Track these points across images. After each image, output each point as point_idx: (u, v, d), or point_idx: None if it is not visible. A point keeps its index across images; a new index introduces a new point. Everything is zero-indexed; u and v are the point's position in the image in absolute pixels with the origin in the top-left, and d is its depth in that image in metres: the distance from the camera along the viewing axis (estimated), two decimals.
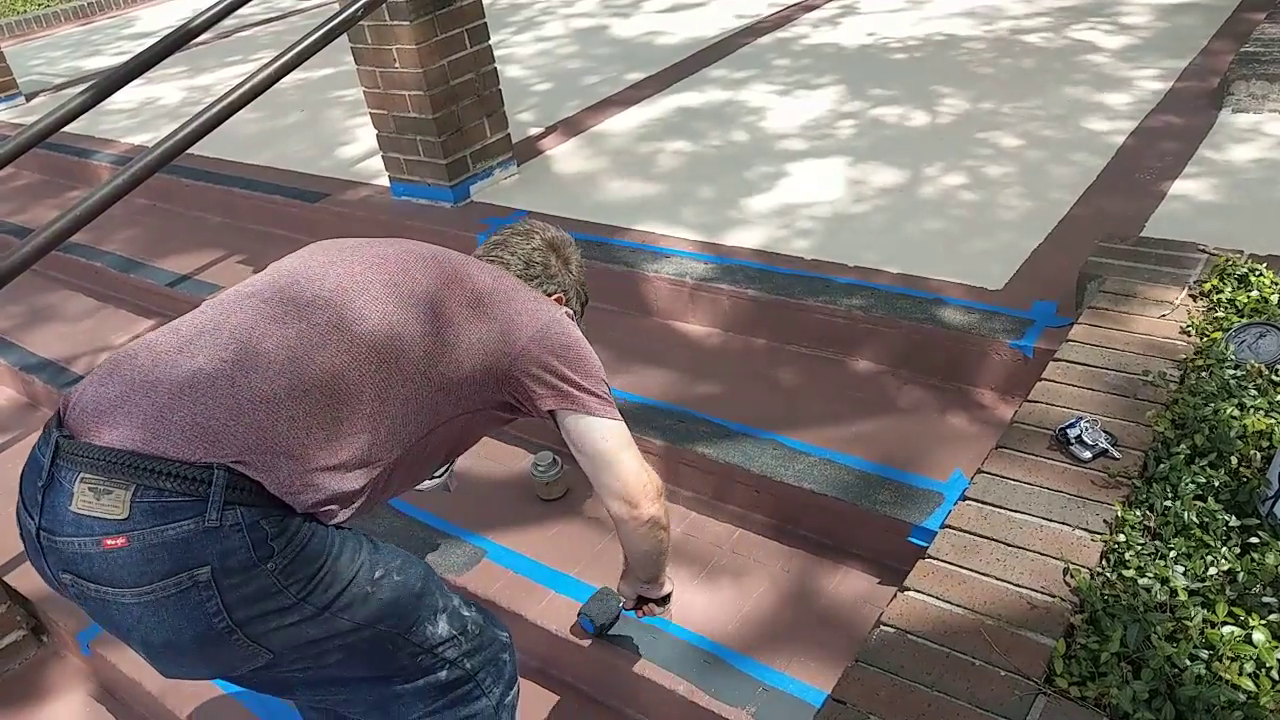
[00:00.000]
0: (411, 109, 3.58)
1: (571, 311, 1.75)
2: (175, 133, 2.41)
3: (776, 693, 1.96)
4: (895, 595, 1.58)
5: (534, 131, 4.30)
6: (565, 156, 4.03)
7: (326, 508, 1.37)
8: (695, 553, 2.34)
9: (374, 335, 1.43)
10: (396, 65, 3.51)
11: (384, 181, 3.96)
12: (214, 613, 1.27)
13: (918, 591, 1.58)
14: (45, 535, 1.30)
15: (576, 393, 1.57)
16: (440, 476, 2.10)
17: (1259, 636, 1.41)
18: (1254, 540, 1.60)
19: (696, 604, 2.17)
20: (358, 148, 4.50)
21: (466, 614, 1.58)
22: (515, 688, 1.69)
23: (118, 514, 1.24)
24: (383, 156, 3.84)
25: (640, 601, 1.92)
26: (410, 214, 3.74)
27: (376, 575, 1.43)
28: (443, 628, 1.53)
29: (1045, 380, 2.03)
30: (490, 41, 3.68)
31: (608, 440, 1.59)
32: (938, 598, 1.56)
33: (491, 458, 2.71)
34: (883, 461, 2.35)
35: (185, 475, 1.25)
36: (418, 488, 2.02)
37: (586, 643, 2.09)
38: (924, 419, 2.50)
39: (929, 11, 5.11)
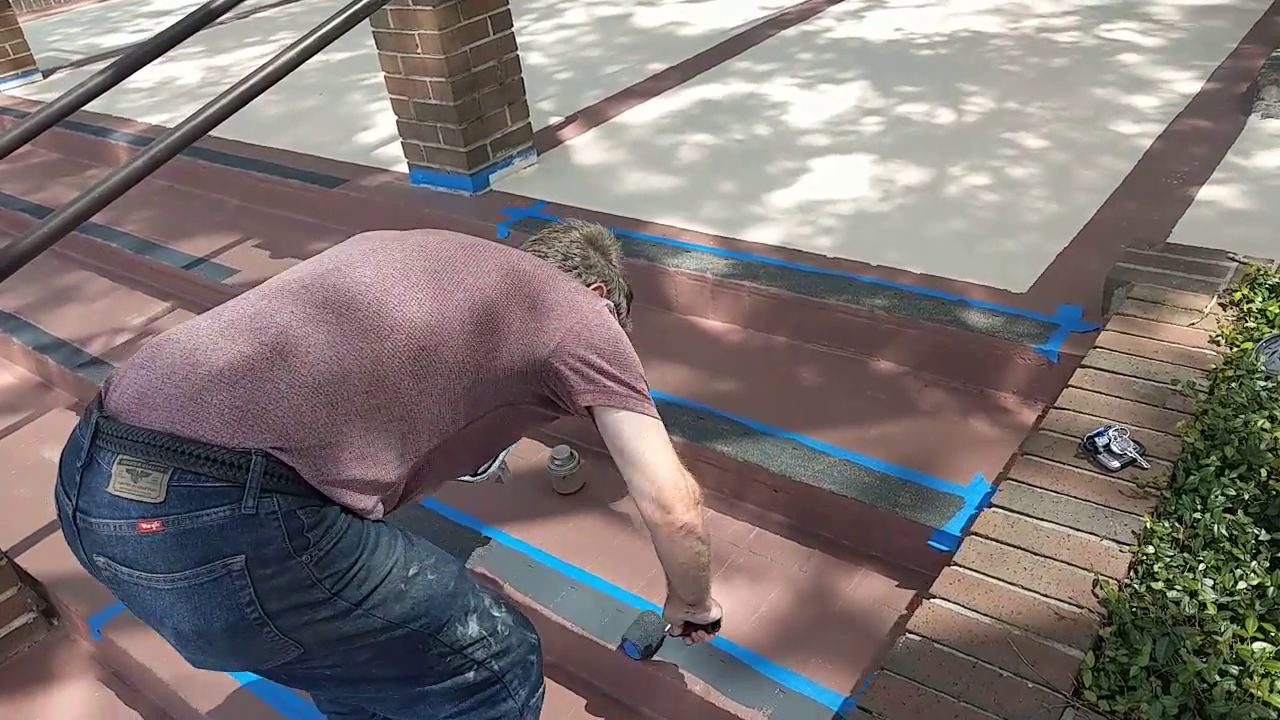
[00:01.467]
0: (433, 95, 3.57)
1: (614, 304, 1.74)
2: (195, 116, 2.39)
3: (794, 695, 1.95)
4: (921, 602, 1.57)
5: (554, 120, 4.28)
6: (585, 147, 4.01)
7: (362, 498, 1.36)
8: (713, 551, 2.32)
9: (414, 324, 1.43)
10: (419, 51, 3.49)
11: (403, 168, 3.94)
12: (246, 603, 1.26)
13: (944, 599, 1.56)
14: (81, 516, 1.29)
15: (615, 386, 1.54)
16: (488, 470, 2.06)
17: None
18: None
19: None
20: (377, 133, 4.48)
21: (497, 614, 1.57)
22: (541, 689, 1.68)
23: (154, 497, 1.23)
24: (402, 143, 3.83)
25: (687, 628, 1.87)
26: (429, 201, 3.72)
27: (411, 573, 1.41)
28: (473, 628, 1.51)
29: (1072, 387, 2.01)
30: (513, 28, 3.65)
31: (644, 438, 1.56)
32: (964, 606, 1.55)
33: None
34: (903, 463, 2.33)
35: (222, 460, 1.24)
36: (469, 478, 2.02)
37: (601, 640, 2.08)
38: (945, 421, 2.48)
39: (956, 7, 5.06)
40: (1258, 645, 1.41)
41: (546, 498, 2.54)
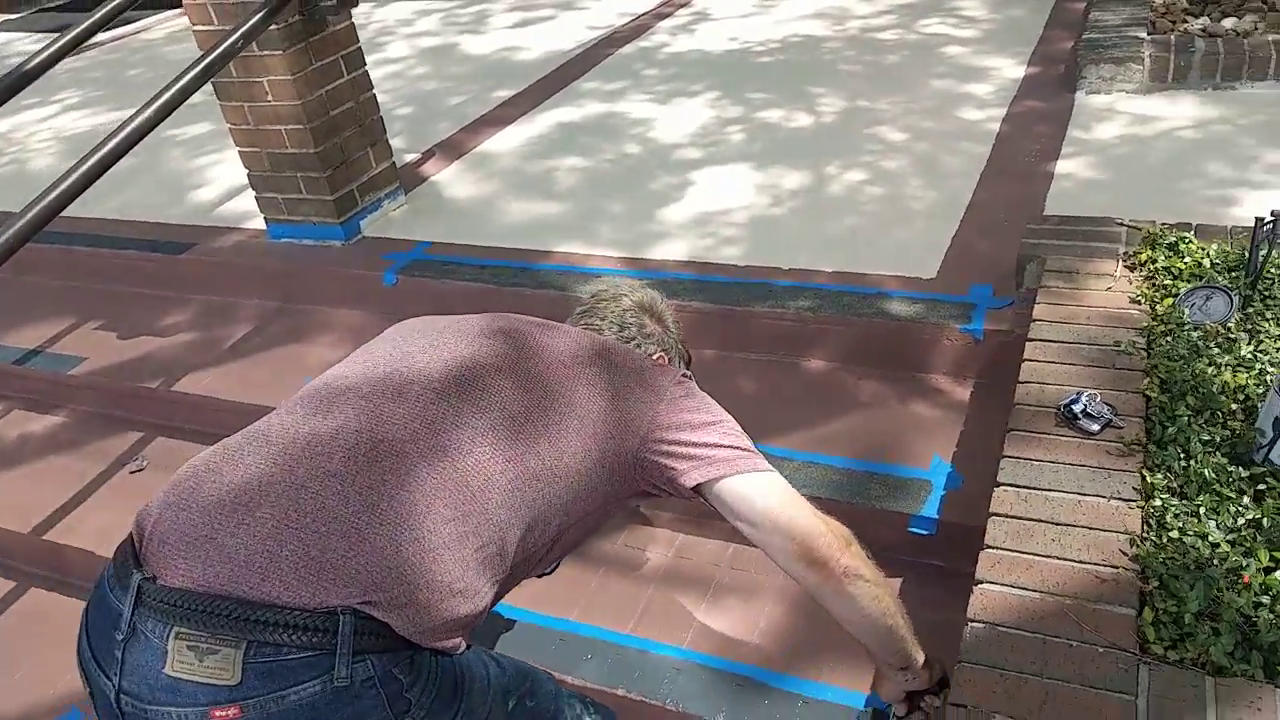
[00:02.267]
0: (289, 144, 3.36)
1: (686, 374, 1.61)
2: (34, 204, 2.16)
3: (816, 704, 1.95)
4: (972, 590, 1.60)
5: (411, 158, 4.13)
6: (452, 181, 3.89)
7: (454, 639, 1.21)
8: (695, 575, 2.29)
9: (497, 432, 1.27)
10: (270, 99, 3.28)
11: (257, 224, 3.69)
12: None
13: (991, 582, 1.60)
14: (130, 701, 1.09)
15: (716, 454, 1.38)
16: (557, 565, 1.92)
17: None
18: (1263, 487, 1.71)
19: (710, 628, 2.13)
20: (213, 190, 4.18)
21: (588, 718, 1.49)
22: None
23: (227, 679, 1.06)
24: (257, 197, 3.58)
25: (911, 700, 1.62)
26: (298, 257, 3.50)
27: (510, 706, 1.30)
28: None
29: (1029, 360, 2.10)
30: (365, 67, 3.50)
31: (769, 497, 1.39)
32: (1012, 585, 1.59)
33: None
34: (863, 457, 2.38)
35: (306, 625, 1.07)
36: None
37: (613, 688, 2.01)
38: (888, 410, 2.55)
39: (780, 15, 5.26)
40: (1278, 574, 1.52)
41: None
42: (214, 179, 4.27)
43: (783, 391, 2.67)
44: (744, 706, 1.95)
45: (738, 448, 1.41)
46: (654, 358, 1.60)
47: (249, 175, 3.54)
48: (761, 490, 1.39)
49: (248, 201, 3.77)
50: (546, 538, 1.33)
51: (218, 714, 1.06)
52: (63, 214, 4.17)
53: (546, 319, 1.58)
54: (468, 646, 1.28)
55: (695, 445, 1.39)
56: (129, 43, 7.01)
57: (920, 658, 1.57)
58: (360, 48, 3.46)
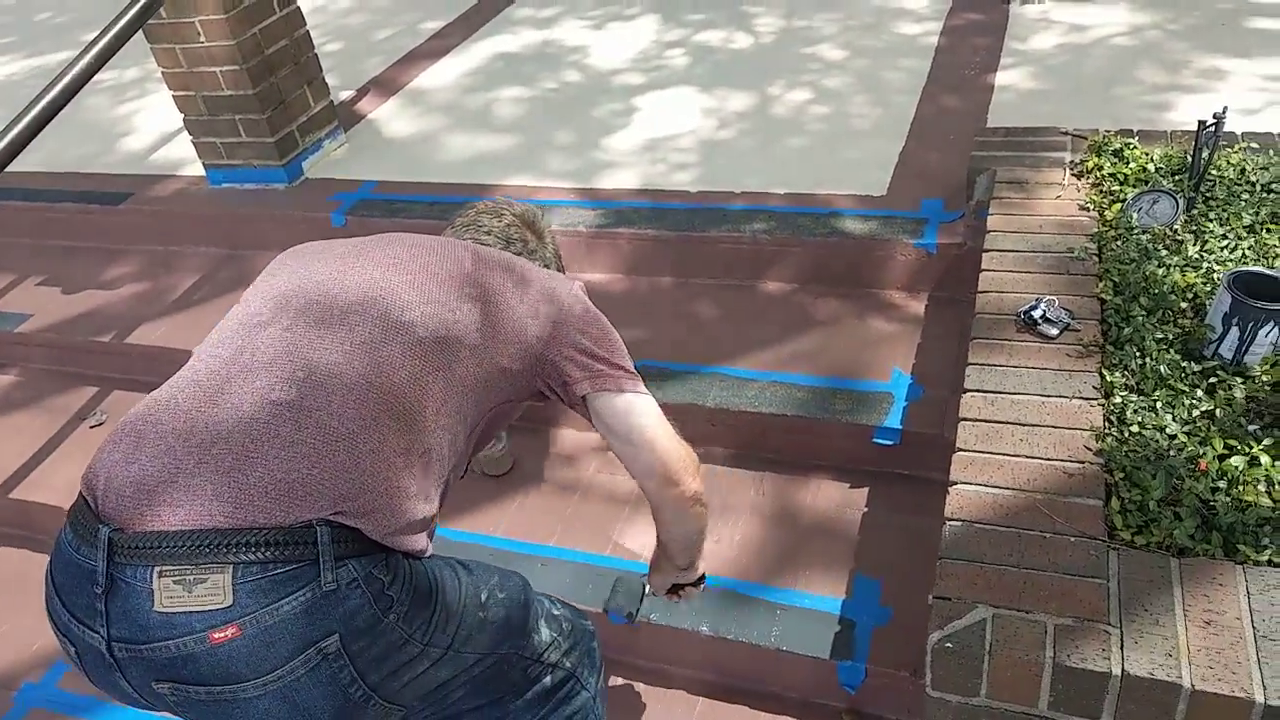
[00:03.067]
0: (225, 86, 3.25)
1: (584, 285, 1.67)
2: None
3: (794, 610, 2.03)
4: (948, 490, 1.67)
5: (346, 95, 4.02)
6: (392, 118, 3.81)
7: (420, 539, 1.26)
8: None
9: (423, 343, 1.31)
10: (202, 39, 3.16)
11: (195, 170, 3.58)
12: (349, 682, 1.16)
13: (965, 483, 1.67)
14: (123, 646, 1.12)
15: (608, 370, 1.47)
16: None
17: (1264, 459, 1.61)
18: (1214, 380, 1.81)
19: None
20: (144, 136, 4.04)
21: (558, 612, 1.54)
22: (603, 671, 1.66)
23: (219, 602, 1.09)
24: (194, 142, 3.47)
25: (673, 589, 1.82)
26: (241, 201, 3.42)
27: (483, 598, 1.36)
28: (545, 633, 1.48)
29: (986, 271, 2.17)
30: (297, 3, 3.38)
31: (644, 417, 1.48)
32: (985, 484, 1.66)
33: None
34: (825, 374, 2.44)
35: (286, 541, 1.11)
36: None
37: (597, 609, 2.06)
38: (847, 327, 2.61)
39: None
40: (1235, 459, 1.62)
41: (478, 483, 2.46)
42: (145, 125, 4.12)
43: (742, 315, 2.71)
44: (725, 616, 2.02)
45: (624, 368, 1.49)
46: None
47: (184, 120, 3.42)
48: (639, 410, 1.47)
49: (183, 147, 3.65)
50: (473, 439, 1.41)
51: (217, 636, 1.09)
52: None
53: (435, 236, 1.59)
54: (435, 556, 1.34)
55: (592, 358, 1.47)
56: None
57: (701, 562, 1.76)
58: None
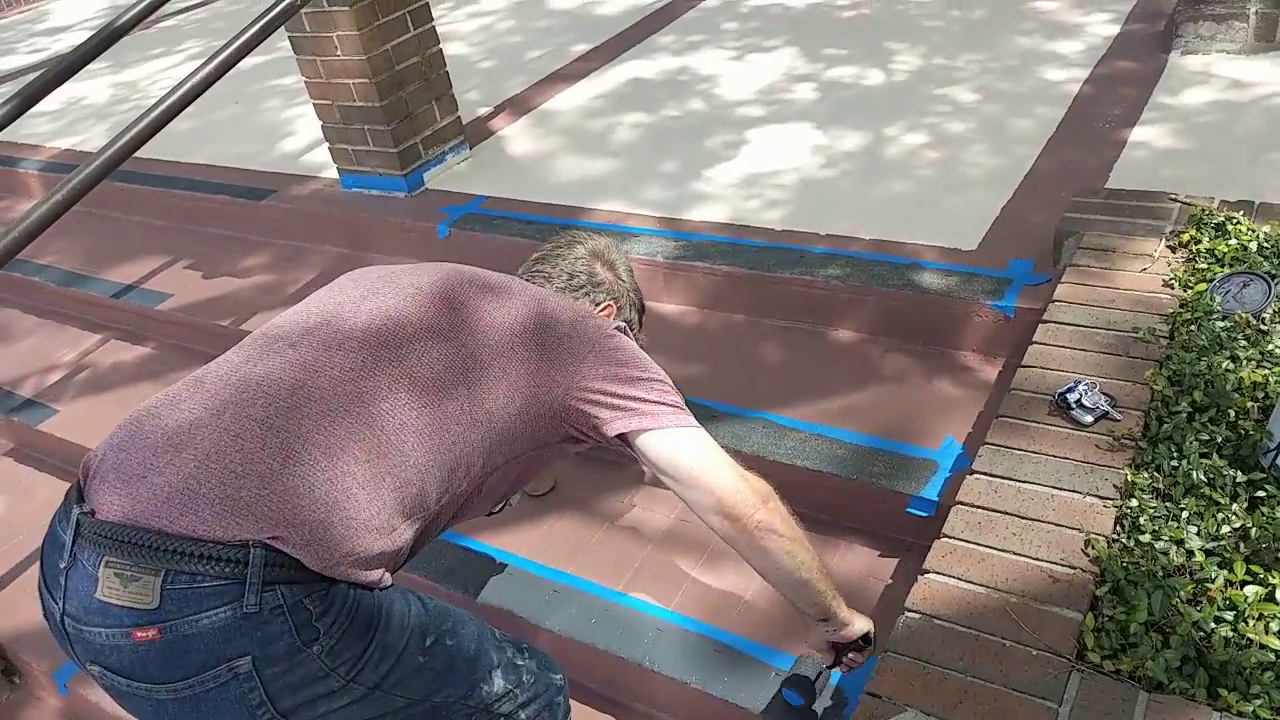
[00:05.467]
0: (357, 98, 3.46)
1: (624, 323, 1.66)
2: (117, 139, 2.27)
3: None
4: (917, 577, 1.57)
5: (483, 112, 4.19)
6: (518, 136, 3.94)
7: (370, 574, 1.26)
8: (691, 540, 2.31)
9: (415, 377, 1.33)
10: (339, 53, 3.38)
11: (332, 174, 3.83)
12: (257, 704, 1.19)
13: (938, 573, 1.56)
14: (71, 622, 1.20)
15: (645, 408, 1.44)
16: (505, 505, 1.92)
17: None
18: (1261, 494, 1.61)
19: (700, 593, 2.14)
20: (300, 139, 4.35)
21: (521, 664, 1.51)
22: None
23: (146, 603, 1.14)
24: (329, 148, 3.71)
25: (837, 652, 1.69)
26: (364, 206, 3.62)
27: (428, 643, 1.34)
28: (498, 684, 1.45)
29: (1037, 344, 2.02)
30: (433, 22, 3.56)
31: (690, 453, 1.44)
32: (959, 578, 1.55)
33: None
34: (873, 433, 2.33)
35: (219, 557, 1.15)
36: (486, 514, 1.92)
37: (594, 642, 2.05)
38: (909, 386, 2.49)
39: None
40: (1248, 589, 1.43)
41: (519, 501, 2.49)
42: (302, 129, 4.43)
43: (805, 361, 2.63)
44: (719, 672, 1.96)
45: (663, 403, 1.45)
46: (602, 306, 1.66)
47: (323, 127, 3.67)
48: (683, 447, 1.44)
49: (326, 152, 3.91)
50: (471, 479, 1.38)
51: (139, 634, 1.15)
52: (166, 159, 4.43)
53: (493, 271, 1.61)
54: (391, 585, 1.34)
55: (620, 397, 1.43)
56: None
57: (843, 612, 1.61)
58: (427, 3, 3.51)
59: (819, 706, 1.77)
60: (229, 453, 1.21)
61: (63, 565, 1.20)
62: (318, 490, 1.21)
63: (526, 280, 1.66)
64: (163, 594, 1.14)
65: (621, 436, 1.44)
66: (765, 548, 1.47)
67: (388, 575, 1.31)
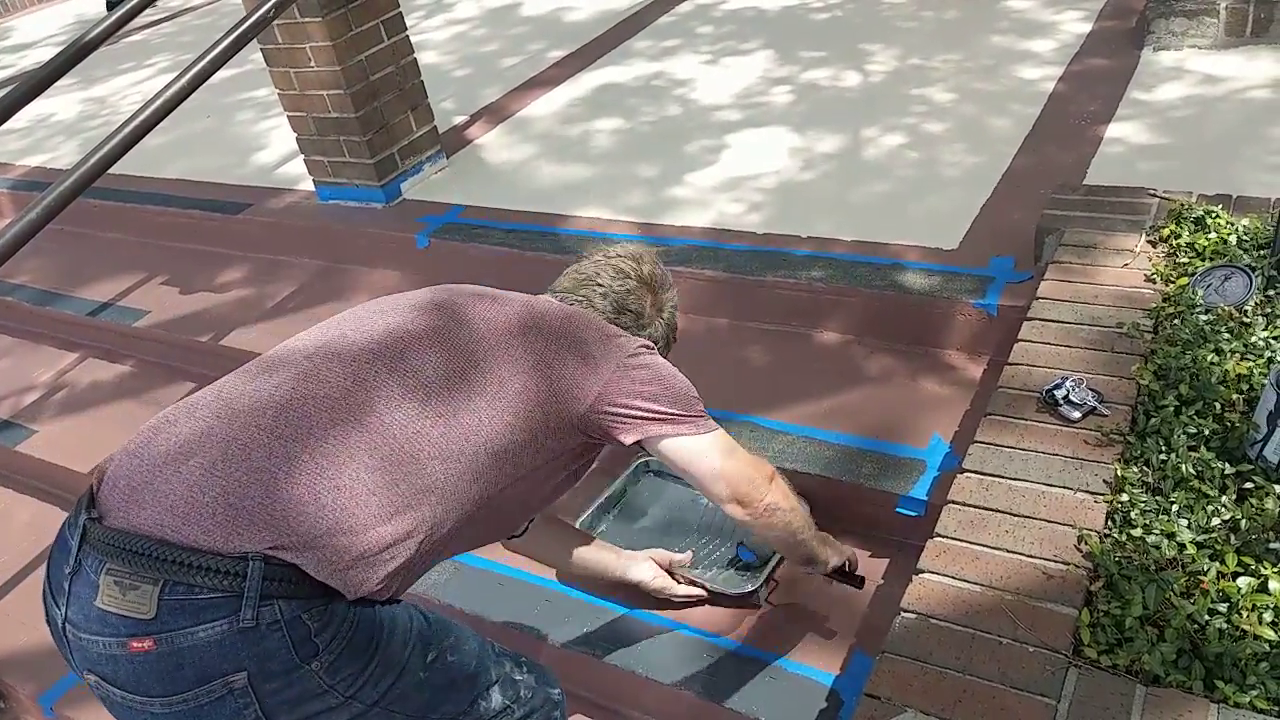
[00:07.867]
0: (331, 109, 3.43)
1: (653, 339, 1.65)
2: (89, 157, 2.24)
3: (784, 678, 1.94)
4: (911, 578, 1.56)
5: (459, 121, 4.17)
6: (494, 144, 3.92)
7: (379, 587, 1.24)
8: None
9: (429, 390, 1.32)
10: (312, 64, 3.35)
11: (308, 186, 3.80)
12: None
13: (933, 573, 1.56)
14: (71, 629, 1.18)
15: (662, 422, 1.48)
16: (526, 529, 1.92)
17: (1275, 585, 1.42)
18: (1249, 486, 1.62)
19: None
20: (275, 152, 4.31)
21: (519, 678, 1.49)
22: None
23: (144, 612, 1.13)
24: (305, 160, 3.68)
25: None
26: (341, 218, 3.60)
27: (429, 659, 1.32)
28: (496, 700, 1.44)
29: (1022, 341, 2.02)
30: (406, 32, 3.54)
31: (706, 457, 1.52)
32: (954, 577, 1.54)
33: None
34: (861, 433, 2.33)
35: (217, 569, 1.13)
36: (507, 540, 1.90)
37: (591, 651, 2.04)
38: (895, 386, 2.49)
39: None
40: (1241, 580, 1.44)
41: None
42: (275, 142, 4.40)
43: (790, 363, 2.63)
44: (715, 676, 1.95)
45: (684, 416, 1.50)
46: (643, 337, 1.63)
47: (297, 139, 3.64)
48: (701, 450, 1.51)
49: (302, 164, 3.88)
50: (484, 490, 1.36)
51: (135, 645, 1.13)
52: (139, 175, 4.38)
53: (498, 289, 1.60)
54: (396, 600, 1.32)
55: (641, 410, 1.47)
56: (219, 7, 7.23)
57: (826, 556, 1.79)
58: (400, 13, 3.49)
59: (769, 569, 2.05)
60: (235, 460, 1.21)
61: (68, 570, 1.19)
62: (324, 497, 1.20)
63: (570, 303, 1.63)
64: (160, 604, 1.13)
65: (637, 442, 1.49)
66: (770, 523, 1.61)
67: (397, 589, 1.30)
